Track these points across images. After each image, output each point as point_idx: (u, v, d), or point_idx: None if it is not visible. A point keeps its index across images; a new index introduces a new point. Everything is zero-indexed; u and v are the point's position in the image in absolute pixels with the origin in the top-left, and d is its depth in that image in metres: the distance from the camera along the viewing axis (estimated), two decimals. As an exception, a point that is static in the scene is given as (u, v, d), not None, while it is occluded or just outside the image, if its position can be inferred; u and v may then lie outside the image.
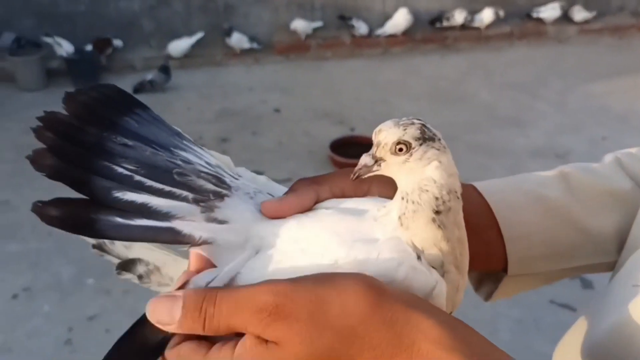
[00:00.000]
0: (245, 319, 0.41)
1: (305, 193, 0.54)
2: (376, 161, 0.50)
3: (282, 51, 5.85)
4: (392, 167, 0.50)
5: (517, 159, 4.14)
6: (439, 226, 0.49)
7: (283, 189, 0.57)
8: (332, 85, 5.34)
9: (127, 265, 0.59)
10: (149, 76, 5.13)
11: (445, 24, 6.08)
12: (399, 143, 0.49)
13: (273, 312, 0.41)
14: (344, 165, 4.10)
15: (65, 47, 5.29)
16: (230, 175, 0.53)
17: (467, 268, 0.52)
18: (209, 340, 0.45)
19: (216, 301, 0.42)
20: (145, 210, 0.47)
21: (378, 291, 0.42)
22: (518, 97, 5.09)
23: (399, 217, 0.49)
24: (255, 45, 5.70)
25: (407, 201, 0.49)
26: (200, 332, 0.42)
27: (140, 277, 0.58)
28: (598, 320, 0.58)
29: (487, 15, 6.05)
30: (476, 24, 6.09)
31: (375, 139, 0.50)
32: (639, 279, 0.55)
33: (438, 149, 0.49)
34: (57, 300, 2.92)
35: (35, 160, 0.45)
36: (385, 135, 0.49)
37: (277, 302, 0.41)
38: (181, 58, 5.60)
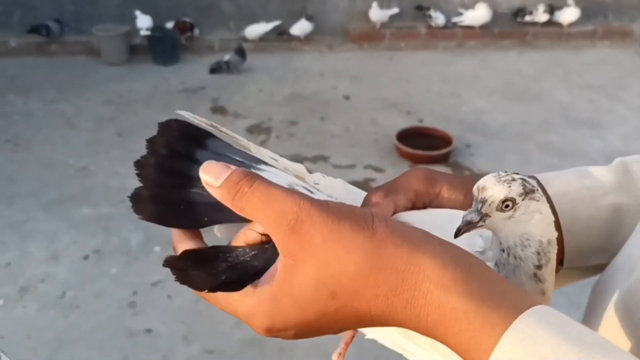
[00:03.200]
0: (267, 215, 0.44)
1: (384, 205, 0.55)
2: (481, 217, 0.50)
3: (356, 39, 5.85)
4: (497, 222, 0.51)
5: (590, 161, 4.00)
6: (539, 280, 0.50)
7: (360, 192, 0.58)
8: (403, 75, 5.31)
9: None
10: (226, 57, 5.26)
11: (527, 18, 5.90)
12: (505, 200, 0.50)
13: (292, 224, 0.43)
14: (409, 156, 4.10)
15: (146, 23, 5.48)
16: (307, 189, 0.55)
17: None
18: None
19: (253, 185, 0.44)
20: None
21: (387, 229, 0.44)
22: (596, 99, 4.91)
23: (496, 265, 0.51)
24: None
25: (508, 255, 0.51)
26: (228, 204, 0.45)
27: None
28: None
29: (570, 12, 5.84)
30: (558, 20, 5.89)
31: (479, 195, 0.50)
32: None
33: (538, 200, 0.51)
34: (124, 264, 3.07)
35: (135, 206, 0.50)
36: (492, 193, 0.50)
37: (299, 215, 0.43)
38: (257, 41, 5.70)
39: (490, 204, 0.50)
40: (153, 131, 0.56)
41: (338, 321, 0.45)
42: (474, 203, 0.50)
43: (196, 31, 5.67)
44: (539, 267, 0.50)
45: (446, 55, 5.70)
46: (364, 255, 0.42)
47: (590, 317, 0.61)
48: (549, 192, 0.65)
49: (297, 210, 0.43)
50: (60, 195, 3.62)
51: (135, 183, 0.53)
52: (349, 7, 5.95)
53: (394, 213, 0.56)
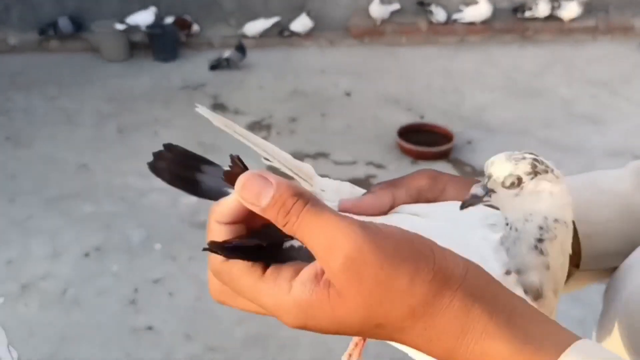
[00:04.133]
0: (318, 244, 0.42)
1: (382, 195, 0.55)
2: (487, 192, 0.50)
3: (357, 35, 5.84)
4: (503, 199, 0.51)
5: (592, 157, 4.00)
6: (541, 253, 0.50)
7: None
8: (405, 71, 5.30)
9: None
10: (226, 54, 5.25)
11: (527, 14, 5.89)
12: (510, 177, 0.50)
13: (343, 261, 0.41)
14: (411, 152, 4.09)
15: (146, 19, 5.47)
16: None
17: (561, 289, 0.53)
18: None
19: (302, 210, 0.42)
20: None
21: (445, 276, 0.42)
22: (598, 94, 4.90)
23: (502, 240, 0.51)
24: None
25: (510, 228, 0.51)
26: (279, 226, 0.43)
27: None
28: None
29: (572, 7, 5.82)
30: (560, 15, 5.87)
31: (487, 170, 0.51)
32: None
33: (550, 181, 0.51)
34: (125, 261, 3.07)
35: (155, 163, 0.50)
36: (497, 168, 0.50)
37: (350, 254, 0.41)
38: (257, 38, 5.69)
39: (495, 180, 0.50)
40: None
41: (373, 337, 0.45)
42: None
43: (195, 26, 5.64)
44: (541, 240, 0.50)
45: (447, 51, 5.68)
46: (419, 300, 0.42)
47: (605, 316, 0.61)
48: None
49: (349, 246, 0.41)
50: (61, 192, 3.62)
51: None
52: (349, 3, 5.94)
53: (392, 207, 0.55)
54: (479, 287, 0.43)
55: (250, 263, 0.45)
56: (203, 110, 0.49)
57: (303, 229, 0.42)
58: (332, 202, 0.53)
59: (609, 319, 0.58)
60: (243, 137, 0.51)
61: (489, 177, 0.50)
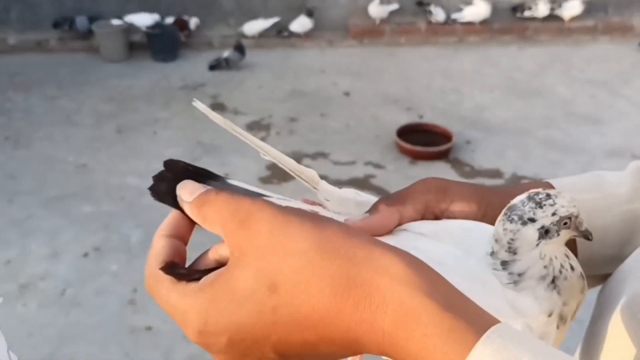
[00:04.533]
0: (222, 216, 0.42)
1: (390, 214, 0.53)
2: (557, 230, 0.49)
3: (356, 35, 5.84)
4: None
5: (592, 157, 4.00)
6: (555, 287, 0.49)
7: (373, 199, 0.56)
8: (404, 71, 5.30)
9: None
10: (225, 54, 5.25)
11: (527, 13, 5.89)
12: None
13: (242, 218, 0.41)
14: (410, 152, 4.09)
15: (145, 21, 5.47)
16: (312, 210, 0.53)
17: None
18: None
19: (219, 193, 0.43)
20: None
21: (342, 225, 0.41)
22: (597, 94, 4.90)
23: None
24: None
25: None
26: (195, 216, 0.44)
27: None
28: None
29: (574, 5, 5.82)
30: (560, 14, 5.86)
31: (569, 211, 0.49)
32: None
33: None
34: (124, 261, 3.07)
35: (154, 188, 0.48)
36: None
37: (250, 209, 0.41)
38: (256, 38, 5.69)
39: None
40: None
41: (276, 328, 0.39)
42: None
43: (193, 21, 5.61)
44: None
45: (446, 51, 5.68)
46: (311, 244, 0.39)
47: (596, 323, 0.60)
48: None
49: (249, 206, 0.41)
50: (60, 192, 3.62)
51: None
52: (348, 3, 5.94)
53: (400, 224, 0.53)
54: (376, 240, 0.41)
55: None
56: (200, 106, 0.49)
57: (213, 208, 0.43)
58: (336, 215, 0.52)
59: (602, 325, 0.57)
60: (241, 135, 0.50)
61: (571, 217, 0.49)
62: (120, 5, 5.67)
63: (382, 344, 0.38)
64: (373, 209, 0.54)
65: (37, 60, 5.39)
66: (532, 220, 0.48)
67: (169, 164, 0.48)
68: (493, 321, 0.37)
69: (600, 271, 0.64)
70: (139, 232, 3.24)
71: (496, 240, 0.49)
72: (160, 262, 0.45)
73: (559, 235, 0.48)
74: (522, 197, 0.49)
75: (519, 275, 0.48)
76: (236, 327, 0.40)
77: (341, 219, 0.51)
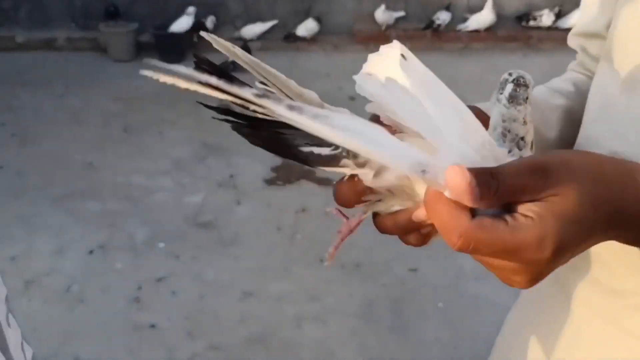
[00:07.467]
0: (524, 180, 0.44)
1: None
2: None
3: (362, 40, 5.87)
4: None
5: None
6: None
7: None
8: (409, 77, 5.31)
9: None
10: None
11: (532, 23, 5.92)
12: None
13: (546, 171, 0.44)
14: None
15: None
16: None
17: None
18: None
19: (499, 177, 0.44)
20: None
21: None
22: (601, 104, 4.92)
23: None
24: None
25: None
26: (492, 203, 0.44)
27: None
28: None
29: (576, 17, 5.84)
30: (564, 25, 5.89)
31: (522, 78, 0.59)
32: None
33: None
34: (129, 259, 3.09)
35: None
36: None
37: (546, 162, 0.45)
38: (262, 41, 5.72)
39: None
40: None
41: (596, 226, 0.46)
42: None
43: (210, 19, 5.66)
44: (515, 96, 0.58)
45: (452, 58, 5.71)
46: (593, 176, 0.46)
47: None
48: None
49: (542, 161, 0.46)
50: (67, 190, 3.65)
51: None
52: (355, 9, 5.98)
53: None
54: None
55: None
56: (208, 36, 0.48)
57: (507, 184, 0.44)
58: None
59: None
60: (245, 62, 0.49)
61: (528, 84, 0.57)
62: (129, 6, 5.71)
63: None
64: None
65: (45, 59, 5.43)
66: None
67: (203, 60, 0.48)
68: None
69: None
70: (144, 230, 3.27)
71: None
72: (468, 213, 0.44)
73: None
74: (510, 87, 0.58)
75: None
76: (569, 242, 0.45)
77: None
